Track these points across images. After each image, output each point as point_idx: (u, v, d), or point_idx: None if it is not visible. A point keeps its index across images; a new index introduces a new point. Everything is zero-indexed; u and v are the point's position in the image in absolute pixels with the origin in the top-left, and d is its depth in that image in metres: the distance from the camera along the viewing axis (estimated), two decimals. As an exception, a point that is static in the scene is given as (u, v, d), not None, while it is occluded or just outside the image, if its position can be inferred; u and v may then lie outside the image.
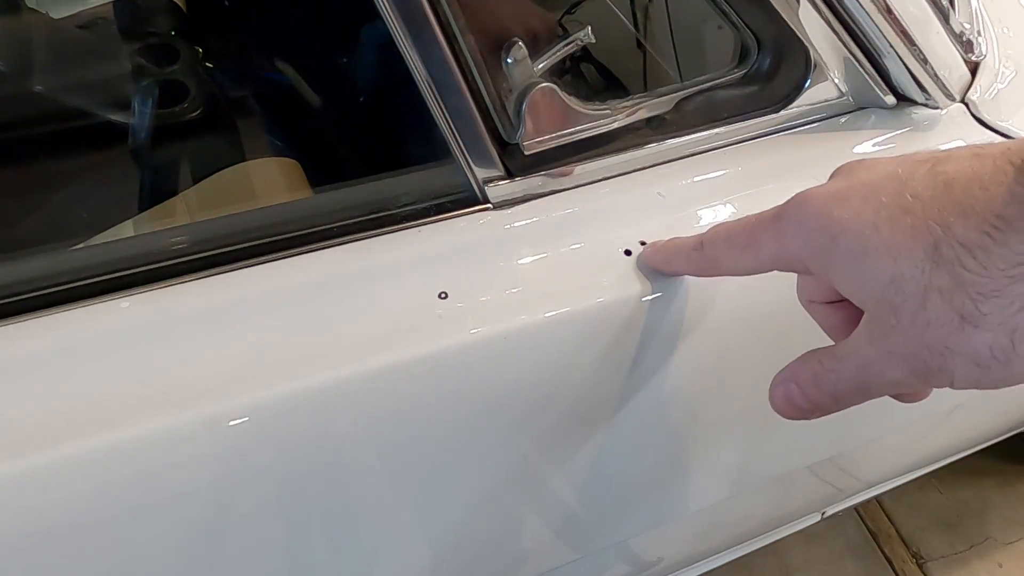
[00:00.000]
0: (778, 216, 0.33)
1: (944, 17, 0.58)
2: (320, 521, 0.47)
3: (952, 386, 0.29)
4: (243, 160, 0.77)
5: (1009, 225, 0.26)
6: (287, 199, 0.59)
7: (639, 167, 0.54)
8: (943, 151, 0.30)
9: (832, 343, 0.35)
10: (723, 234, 0.37)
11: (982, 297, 0.27)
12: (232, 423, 0.41)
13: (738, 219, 0.36)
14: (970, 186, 0.27)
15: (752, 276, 0.37)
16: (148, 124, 0.81)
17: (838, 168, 0.34)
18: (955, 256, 0.27)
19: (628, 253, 0.49)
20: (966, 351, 0.28)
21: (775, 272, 0.36)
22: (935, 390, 0.32)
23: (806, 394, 0.34)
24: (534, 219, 0.50)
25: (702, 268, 0.40)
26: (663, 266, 0.46)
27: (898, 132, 0.58)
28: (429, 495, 0.49)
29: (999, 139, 0.60)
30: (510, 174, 0.50)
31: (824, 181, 0.52)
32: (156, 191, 0.77)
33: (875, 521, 1.28)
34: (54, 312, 0.42)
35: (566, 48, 0.50)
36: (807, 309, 0.38)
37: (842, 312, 0.36)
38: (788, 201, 0.33)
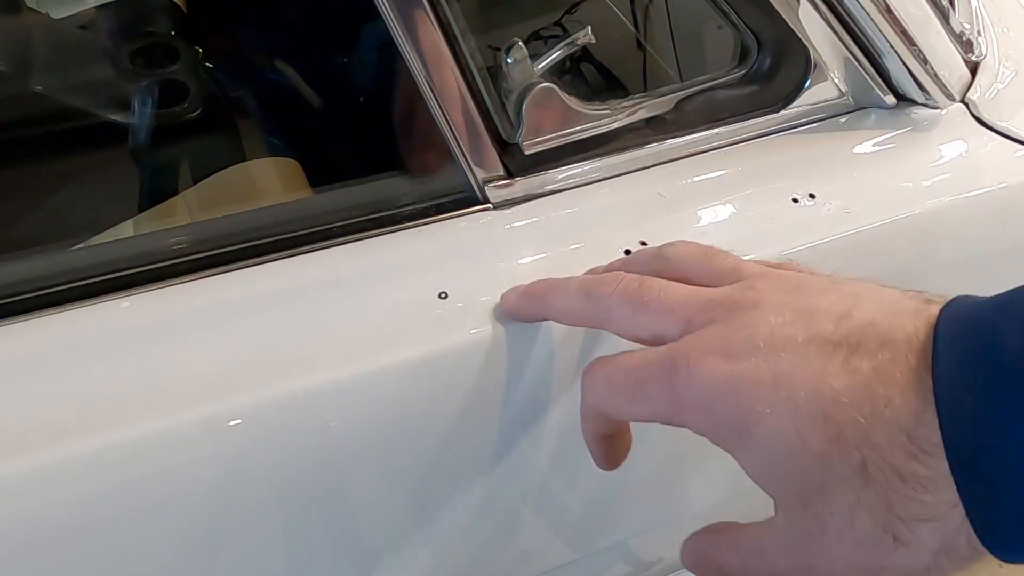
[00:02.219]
0: (670, 376, 0.29)
1: (944, 17, 0.58)
2: (320, 521, 0.46)
3: None
4: (243, 160, 0.77)
5: (935, 449, 0.24)
6: (287, 199, 0.59)
7: (639, 167, 0.54)
8: (850, 327, 0.27)
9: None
10: (604, 375, 0.33)
11: (916, 522, 0.24)
12: (232, 423, 0.41)
13: (612, 362, 0.32)
14: (888, 393, 0.25)
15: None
16: (148, 124, 0.81)
17: (725, 297, 0.30)
18: (883, 477, 0.24)
19: (628, 253, 0.49)
20: (899, 568, 0.25)
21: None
22: None
23: (711, 573, 0.32)
24: (534, 219, 0.50)
25: (599, 414, 0.35)
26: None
27: (898, 132, 0.58)
28: (429, 495, 0.49)
29: (999, 139, 0.60)
30: (510, 174, 0.50)
31: (818, 184, 0.53)
32: (156, 191, 0.77)
33: (875, 521, 1.28)
34: (54, 312, 0.42)
35: (566, 48, 0.50)
36: (589, 444, 0.37)
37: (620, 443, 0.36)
38: (676, 356, 0.29)
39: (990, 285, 0.28)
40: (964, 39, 0.60)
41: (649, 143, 0.54)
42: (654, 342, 0.32)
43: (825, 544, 0.26)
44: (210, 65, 0.91)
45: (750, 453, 0.28)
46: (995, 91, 0.62)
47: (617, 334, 0.35)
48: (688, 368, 0.29)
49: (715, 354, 0.28)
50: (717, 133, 0.55)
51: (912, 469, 0.24)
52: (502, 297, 0.43)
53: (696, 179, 0.54)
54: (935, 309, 0.26)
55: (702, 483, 0.64)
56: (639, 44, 0.89)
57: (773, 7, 0.52)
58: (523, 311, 0.42)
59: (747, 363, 0.27)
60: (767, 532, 0.29)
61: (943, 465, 0.23)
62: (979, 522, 0.24)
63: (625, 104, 0.53)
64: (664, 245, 0.38)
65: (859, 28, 0.54)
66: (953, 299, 0.26)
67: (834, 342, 0.27)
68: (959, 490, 0.23)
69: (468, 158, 0.49)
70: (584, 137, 0.52)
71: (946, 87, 0.58)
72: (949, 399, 0.24)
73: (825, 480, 0.26)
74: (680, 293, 0.33)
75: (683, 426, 0.31)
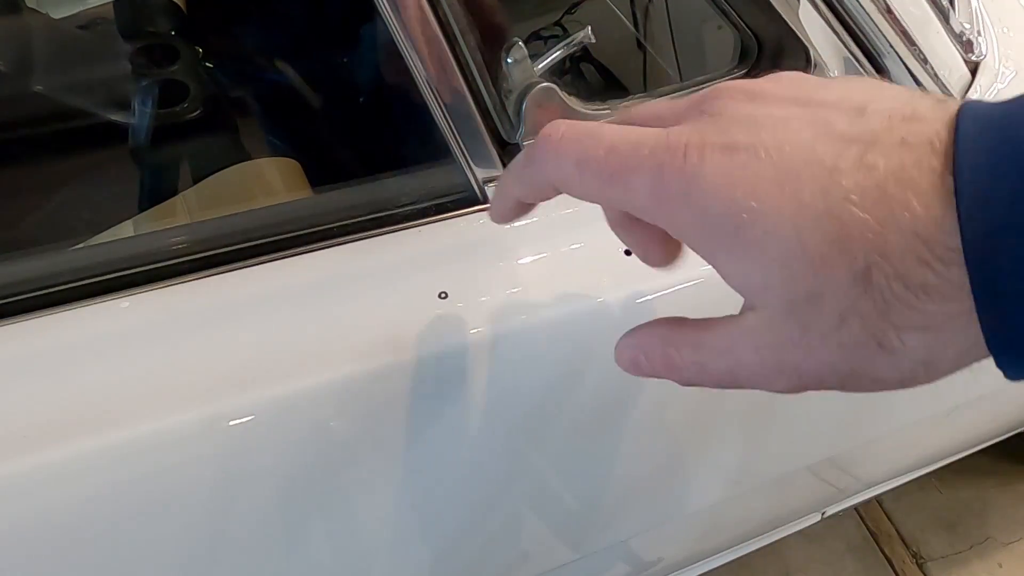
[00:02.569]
0: (660, 169, 0.26)
1: (944, 17, 0.58)
2: (320, 521, 0.46)
3: (839, 390, 0.26)
4: (243, 160, 0.77)
5: (952, 257, 0.22)
6: (287, 199, 0.59)
7: (639, 167, 0.54)
8: (865, 125, 0.24)
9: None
10: (572, 152, 0.28)
11: (910, 331, 0.23)
12: (232, 423, 0.41)
13: (590, 131, 0.28)
14: (906, 196, 0.22)
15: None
16: (148, 124, 0.81)
17: (717, 96, 0.27)
18: (886, 283, 0.23)
19: (628, 253, 0.49)
20: (873, 374, 0.25)
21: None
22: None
23: (653, 367, 0.29)
24: (534, 219, 0.50)
25: (542, 190, 0.30)
26: (503, 203, 0.34)
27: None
28: (429, 495, 0.49)
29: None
30: (510, 174, 0.50)
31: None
32: (156, 191, 0.77)
33: (875, 521, 1.28)
34: (54, 312, 0.42)
35: (566, 48, 0.50)
36: (612, 227, 0.32)
37: (657, 235, 0.30)
38: (672, 143, 0.26)
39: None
40: (964, 39, 0.60)
41: (649, 143, 0.53)
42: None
43: (802, 345, 0.25)
44: (210, 65, 0.91)
45: (737, 257, 0.25)
46: (995, 91, 0.62)
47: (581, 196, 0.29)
48: (684, 158, 0.25)
49: (714, 148, 0.25)
50: (717, 133, 0.55)
51: (921, 277, 0.22)
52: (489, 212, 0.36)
53: (696, 179, 0.54)
54: (953, 107, 0.23)
55: (701, 483, 0.64)
56: (639, 44, 0.89)
57: (773, 7, 0.52)
58: (502, 211, 0.34)
59: (747, 157, 0.25)
60: (737, 329, 0.27)
61: (957, 273, 0.22)
62: (993, 334, 0.22)
63: (625, 104, 0.53)
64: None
65: (859, 28, 0.54)
66: (968, 101, 0.23)
67: (848, 138, 0.24)
68: (975, 298, 0.22)
69: (468, 158, 0.49)
70: (584, 137, 0.52)
71: (946, 87, 0.58)
72: (972, 200, 0.21)
73: (819, 287, 0.24)
74: (658, 107, 0.29)
75: (655, 222, 0.27)
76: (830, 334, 0.24)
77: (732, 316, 0.27)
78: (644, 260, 0.32)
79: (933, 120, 0.23)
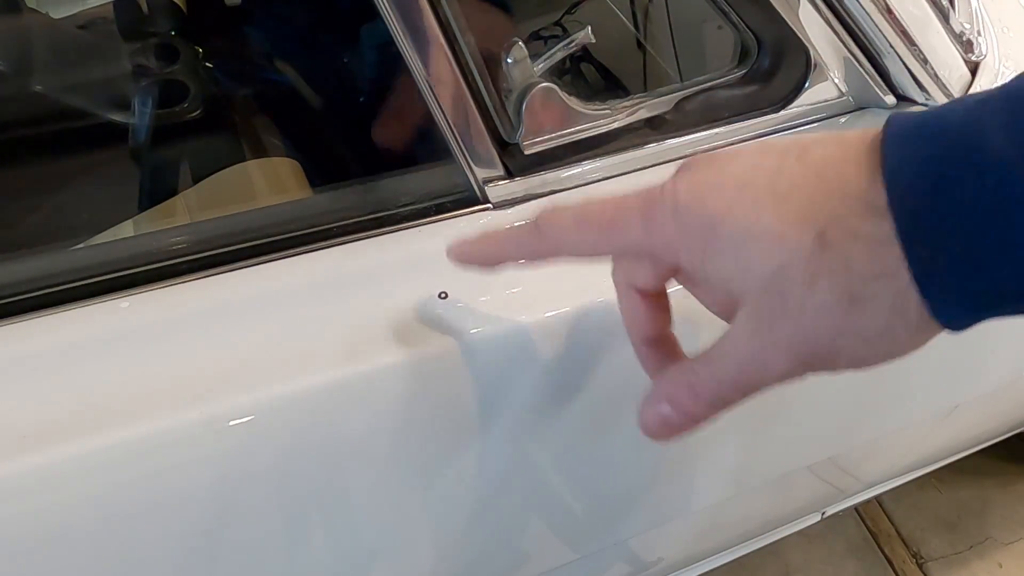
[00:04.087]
0: (646, 202, 0.32)
1: (944, 17, 0.58)
2: (321, 521, 0.47)
3: (835, 369, 0.29)
4: (243, 160, 0.77)
5: (885, 210, 0.26)
6: (287, 199, 0.59)
7: (639, 167, 0.54)
8: (800, 139, 0.30)
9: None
10: (572, 216, 0.34)
11: (871, 278, 0.27)
12: (232, 423, 0.41)
13: (580, 201, 0.34)
14: (840, 171, 0.28)
15: None
16: (148, 124, 0.81)
17: (685, 163, 0.33)
18: (840, 238, 0.27)
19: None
20: (856, 329, 0.28)
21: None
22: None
23: (683, 410, 0.33)
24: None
25: (538, 252, 0.36)
26: (483, 259, 0.39)
27: (898, 132, 0.58)
28: (429, 495, 0.49)
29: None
30: (510, 174, 0.50)
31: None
32: (156, 191, 0.77)
33: (875, 521, 1.28)
34: (54, 312, 0.42)
35: (566, 48, 0.50)
36: (619, 291, 0.37)
37: (656, 305, 0.36)
38: (651, 188, 0.32)
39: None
40: (964, 39, 0.60)
41: (649, 143, 0.54)
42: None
43: (788, 316, 0.28)
44: (210, 65, 0.91)
45: (717, 255, 0.30)
46: (995, 91, 0.62)
47: (575, 256, 0.36)
48: (663, 192, 0.31)
49: (685, 181, 0.31)
50: (717, 133, 0.55)
51: (866, 229, 0.27)
52: (448, 249, 0.39)
53: (696, 179, 0.54)
54: (878, 129, 0.28)
55: (702, 483, 0.64)
56: (639, 44, 0.89)
57: (773, 7, 0.52)
58: (475, 258, 0.39)
59: (712, 177, 0.30)
60: (733, 330, 0.30)
61: (891, 225, 0.26)
62: (923, 276, 0.26)
63: (625, 104, 0.53)
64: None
65: (859, 28, 0.54)
66: (896, 112, 0.29)
67: (785, 148, 0.30)
68: (904, 249, 0.26)
69: (468, 158, 0.49)
70: (584, 137, 0.52)
71: (946, 87, 0.58)
72: (896, 165, 0.27)
73: (784, 257, 0.28)
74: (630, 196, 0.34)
75: (652, 252, 0.32)
76: (806, 299, 0.28)
77: (730, 328, 0.31)
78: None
79: (857, 132, 0.29)
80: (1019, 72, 0.27)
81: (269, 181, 0.75)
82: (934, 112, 0.27)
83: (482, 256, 0.39)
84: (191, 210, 0.72)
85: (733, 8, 0.54)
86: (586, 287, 0.47)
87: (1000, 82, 0.62)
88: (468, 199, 0.50)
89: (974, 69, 0.62)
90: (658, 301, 0.36)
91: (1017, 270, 0.25)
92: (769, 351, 0.29)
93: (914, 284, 0.26)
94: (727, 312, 0.32)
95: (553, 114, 0.50)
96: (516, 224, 0.36)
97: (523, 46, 0.48)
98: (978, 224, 0.25)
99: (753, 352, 0.30)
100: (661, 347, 0.37)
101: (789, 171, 0.29)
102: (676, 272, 0.33)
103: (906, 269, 0.26)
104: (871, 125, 0.58)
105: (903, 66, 0.55)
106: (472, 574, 0.58)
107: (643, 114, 0.54)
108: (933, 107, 0.28)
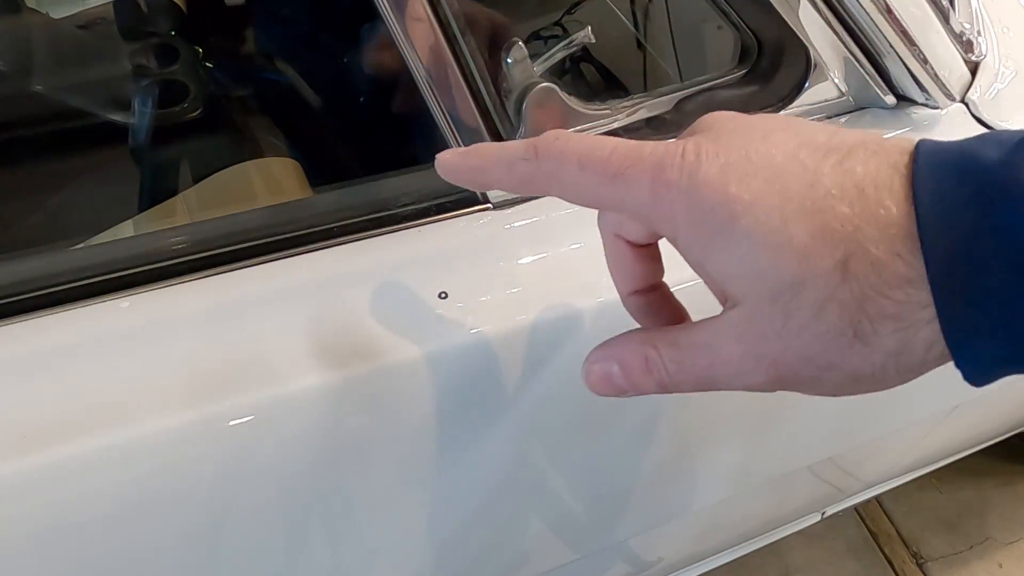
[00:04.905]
0: (660, 166, 0.28)
1: (944, 17, 0.58)
2: (321, 521, 0.47)
3: (810, 393, 0.28)
4: (243, 160, 0.77)
5: (919, 248, 0.24)
6: (287, 199, 0.59)
7: (639, 167, 0.54)
8: (842, 137, 0.27)
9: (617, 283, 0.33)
10: (576, 153, 0.29)
11: (882, 319, 0.25)
12: (232, 423, 0.41)
13: (592, 137, 0.30)
14: (880, 195, 0.25)
15: None
16: (148, 124, 0.81)
17: (709, 121, 0.29)
18: (864, 273, 0.25)
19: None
20: (848, 367, 0.26)
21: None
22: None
23: (630, 378, 0.30)
24: (534, 219, 0.50)
25: (530, 183, 0.31)
26: (470, 178, 0.34)
27: (898, 132, 0.58)
28: (429, 495, 0.49)
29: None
30: (510, 174, 0.50)
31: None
32: (156, 191, 0.77)
33: (875, 521, 1.28)
34: (54, 312, 0.42)
35: (566, 48, 0.50)
36: (605, 239, 0.34)
37: (646, 255, 0.33)
38: (670, 148, 0.28)
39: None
40: (964, 39, 0.60)
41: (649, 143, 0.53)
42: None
43: (783, 335, 0.26)
44: (210, 65, 0.91)
45: (728, 248, 0.27)
46: (995, 91, 0.62)
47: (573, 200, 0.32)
48: (682, 156, 0.27)
49: (709, 150, 0.27)
50: (717, 133, 0.55)
51: (895, 267, 0.24)
52: (436, 159, 0.35)
53: (696, 179, 0.54)
54: (910, 141, 0.26)
55: (702, 483, 0.64)
56: (639, 44, 0.89)
57: (773, 7, 0.52)
58: (462, 173, 0.35)
59: (738, 158, 0.27)
60: (718, 323, 0.28)
61: (922, 265, 0.24)
62: (950, 324, 0.24)
63: (625, 104, 0.53)
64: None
65: (859, 28, 0.54)
66: (924, 140, 0.26)
67: (827, 148, 0.27)
68: (932, 287, 0.24)
69: (468, 158, 0.49)
70: (584, 137, 0.52)
71: (946, 87, 0.58)
72: (930, 205, 0.24)
73: (803, 275, 0.26)
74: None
75: (651, 222, 0.29)
76: (809, 323, 0.26)
77: (712, 316, 0.28)
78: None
79: (897, 143, 0.26)
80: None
81: (269, 181, 0.75)
82: (969, 148, 0.25)
83: (469, 173, 0.34)
84: (191, 210, 0.72)
85: (733, 8, 0.54)
86: (586, 287, 0.47)
87: (1000, 82, 0.62)
88: (468, 199, 0.50)
89: (974, 69, 0.62)
90: (648, 251, 0.33)
91: None
92: (749, 361, 0.27)
93: (927, 330, 0.25)
94: (713, 294, 0.29)
95: (553, 114, 0.50)
96: (514, 141, 0.32)
97: (523, 46, 0.48)
98: (1018, 278, 0.23)
99: (732, 357, 0.28)
100: (652, 300, 0.34)
101: (828, 178, 0.26)
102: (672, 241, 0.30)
103: (927, 313, 0.24)
104: (871, 125, 0.58)
105: (903, 66, 0.55)
106: (472, 574, 0.58)
107: (643, 114, 0.54)
108: (966, 142, 0.25)
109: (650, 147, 0.28)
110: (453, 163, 0.34)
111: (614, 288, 0.35)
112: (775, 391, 0.28)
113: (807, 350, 0.26)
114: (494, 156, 0.32)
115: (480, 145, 0.34)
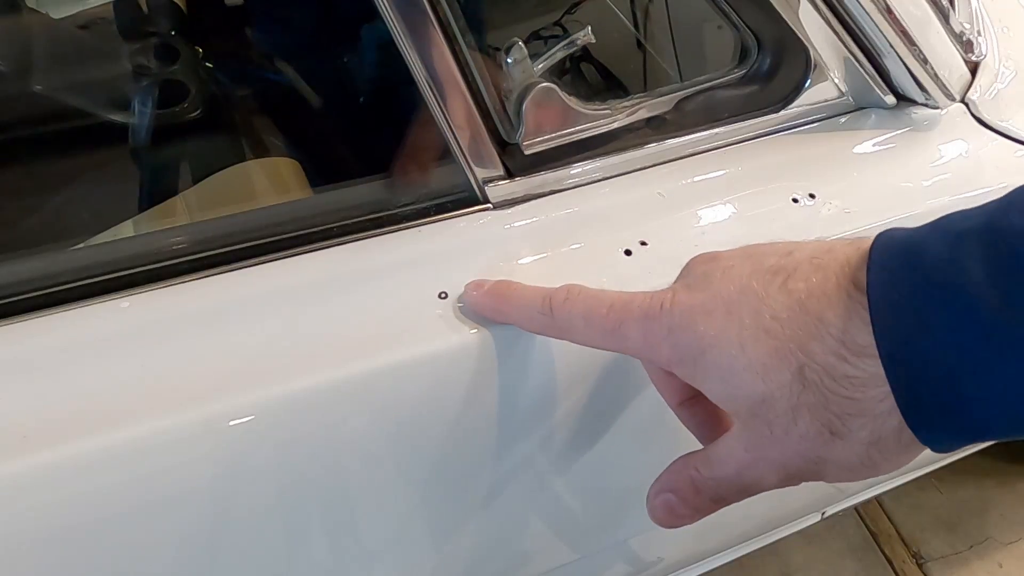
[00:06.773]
0: (646, 316, 0.33)
1: (944, 17, 0.58)
2: (321, 521, 0.46)
3: (824, 482, 0.31)
4: (243, 160, 0.77)
5: (863, 351, 0.27)
6: (287, 199, 0.59)
7: (639, 167, 0.54)
8: (790, 257, 0.31)
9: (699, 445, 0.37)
10: (581, 309, 0.36)
11: (848, 416, 0.28)
12: (232, 423, 0.41)
13: (594, 295, 0.36)
14: (820, 307, 0.29)
15: None
16: (148, 124, 0.81)
17: (688, 266, 0.35)
18: (819, 379, 0.28)
19: (628, 253, 0.49)
20: (837, 459, 0.29)
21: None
22: None
23: (687, 502, 0.35)
24: (534, 219, 0.50)
25: (546, 332, 0.39)
26: (494, 315, 0.43)
27: (898, 132, 0.58)
28: (429, 495, 0.49)
29: (999, 139, 0.60)
30: (510, 174, 0.50)
31: (818, 184, 0.53)
32: (156, 191, 0.77)
33: (875, 521, 1.28)
34: (54, 312, 0.42)
35: (566, 48, 0.50)
36: (676, 412, 0.39)
37: (708, 407, 0.37)
38: (653, 300, 0.33)
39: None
40: (964, 39, 0.60)
41: (649, 143, 0.54)
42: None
43: (774, 439, 0.30)
44: (210, 65, 0.91)
45: (707, 377, 0.31)
46: (995, 91, 0.62)
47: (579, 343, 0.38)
48: (660, 308, 0.33)
49: (681, 298, 0.33)
50: (717, 133, 0.55)
51: (843, 369, 0.28)
52: (465, 288, 0.44)
53: (696, 179, 0.54)
54: (868, 243, 0.29)
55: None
56: (639, 44, 0.89)
57: (773, 7, 0.52)
58: (485, 311, 0.44)
59: (704, 298, 0.32)
60: (730, 437, 0.32)
61: (871, 364, 0.27)
62: (909, 410, 0.27)
63: (625, 104, 0.53)
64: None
65: (859, 28, 0.54)
66: (886, 230, 0.29)
67: (774, 270, 0.31)
68: (890, 381, 0.27)
69: (468, 158, 0.49)
70: (584, 137, 0.52)
71: (946, 87, 0.58)
72: (880, 303, 0.27)
73: (768, 390, 0.29)
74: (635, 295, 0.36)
75: (648, 360, 0.35)
76: (790, 428, 0.29)
77: (728, 431, 0.33)
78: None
79: (844, 249, 0.30)
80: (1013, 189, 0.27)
81: (269, 181, 0.75)
82: (917, 240, 0.27)
83: (494, 314, 0.43)
84: (191, 210, 0.72)
85: (733, 8, 0.54)
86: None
87: (1000, 82, 0.63)
88: (468, 199, 0.50)
89: (974, 69, 0.62)
90: None
91: (1004, 411, 0.26)
92: (761, 466, 0.31)
93: (891, 417, 0.27)
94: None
95: (553, 114, 0.50)
96: (532, 302, 0.39)
97: (523, 46, 0.48)
98: (963, 367, 0.26)
99: (747, 463, 0.32)
100: (697, 411, 0.38)
101: (773, 301, 0.30)
102: None
103: (885, 405, 0.27)
104: (871, 126, 0.58)
105: (903, 66, 0.55)
106: (472, 574, 0.58)
107: (643, 114, 0.54)
108: (917, 232, 0.28)
109: (639, 300, 0.34)
110: (476, 301, 0.43)
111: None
112: (800, 484, 0.32)
113: (797, 449, 0.30)
114: (516, 303, 0.41)
115: (501, 287, 0.42)
